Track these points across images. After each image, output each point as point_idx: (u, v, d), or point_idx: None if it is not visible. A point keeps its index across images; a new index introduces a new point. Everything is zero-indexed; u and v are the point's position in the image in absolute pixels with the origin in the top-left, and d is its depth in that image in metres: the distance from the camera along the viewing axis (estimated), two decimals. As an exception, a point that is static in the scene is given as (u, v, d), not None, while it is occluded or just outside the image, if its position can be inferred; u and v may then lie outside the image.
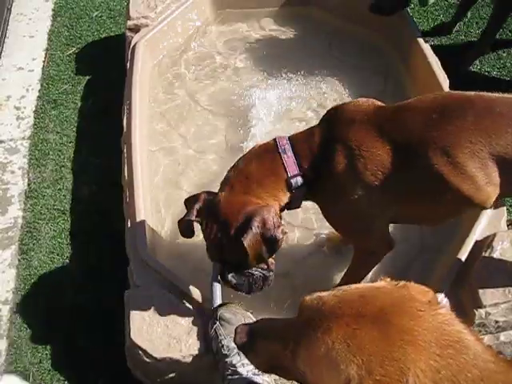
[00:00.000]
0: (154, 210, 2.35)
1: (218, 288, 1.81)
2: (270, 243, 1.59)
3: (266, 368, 1.16)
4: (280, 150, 1.64)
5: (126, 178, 2.31)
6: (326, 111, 1.73)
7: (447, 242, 2.13)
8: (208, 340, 1.76)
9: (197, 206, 1.68)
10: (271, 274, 1.71)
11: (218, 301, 1.78)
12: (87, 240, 2.45)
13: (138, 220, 2.11)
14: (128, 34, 2.92)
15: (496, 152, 1.50)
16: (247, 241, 1.55)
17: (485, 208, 1.73)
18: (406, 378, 0.86)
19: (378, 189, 1.57)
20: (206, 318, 1.81)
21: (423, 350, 0.88)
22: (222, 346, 1.68)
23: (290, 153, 1.64)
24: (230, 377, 1.62)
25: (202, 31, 3.14)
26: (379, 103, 1.67)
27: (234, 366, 1.64)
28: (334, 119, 1.66)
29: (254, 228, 1.55)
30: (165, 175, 2.53)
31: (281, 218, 1.65)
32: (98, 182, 2.65)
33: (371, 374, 0.88)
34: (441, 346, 0.89)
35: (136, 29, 2.91)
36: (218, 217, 1.61)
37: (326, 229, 2.25)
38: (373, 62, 2.95)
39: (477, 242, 1.97)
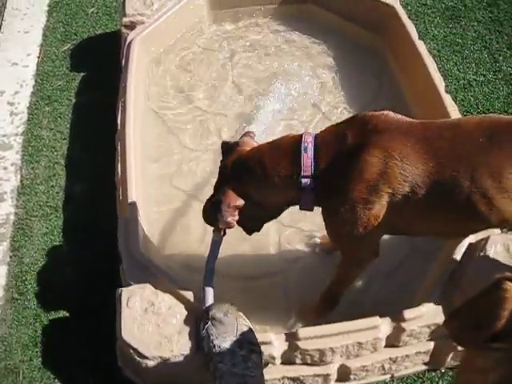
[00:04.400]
0: (147, 209, 2.34)
1: (210, 288, 1.80)
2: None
3: None
4: (302, 147, 1.64)
5: (120, 175, 2.29)
6: (354, 115, 1.72)
7: (439, 246, 2.12)
8: (199, 340, 1.75)
9: None
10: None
11: (210, 300, 1.78)
12: (79, 237, 2.44)
13: (130, 218, 2.09)
14: (124, 30, 2.92)
15: None
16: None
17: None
18: None
19: (406, 202, 1.57)
20: (197, 317, 1.80)
21: None
22: (214, 345, 1.67)
23: (310, 152, 1.63)
24: (220, 377, 1.61)
25: (198, 29, 3.13)
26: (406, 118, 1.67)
27: (225, 365, 1.63)
28: (372, 126, 1.60)
29: None
30: (159, 174, 2.52)
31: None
32: (91, 179, 2.63)
33: None
34: None
35: (132, 26, 2.90)
36: None
37: (318, 231, 2.25)
38: (368, 63, 2.94)
39: (470, 244, 1.96)
